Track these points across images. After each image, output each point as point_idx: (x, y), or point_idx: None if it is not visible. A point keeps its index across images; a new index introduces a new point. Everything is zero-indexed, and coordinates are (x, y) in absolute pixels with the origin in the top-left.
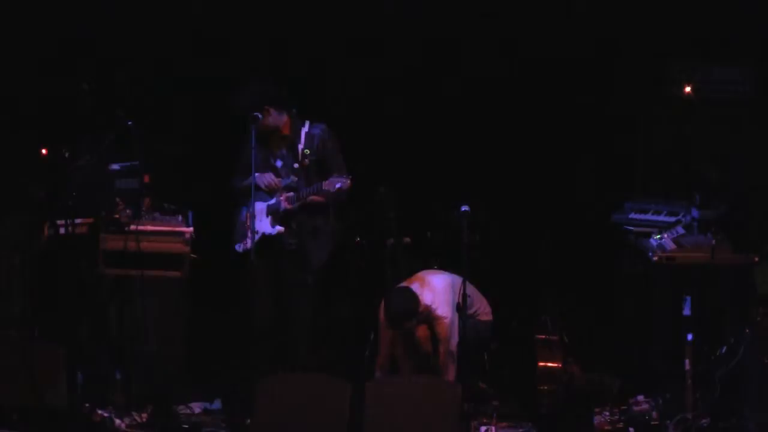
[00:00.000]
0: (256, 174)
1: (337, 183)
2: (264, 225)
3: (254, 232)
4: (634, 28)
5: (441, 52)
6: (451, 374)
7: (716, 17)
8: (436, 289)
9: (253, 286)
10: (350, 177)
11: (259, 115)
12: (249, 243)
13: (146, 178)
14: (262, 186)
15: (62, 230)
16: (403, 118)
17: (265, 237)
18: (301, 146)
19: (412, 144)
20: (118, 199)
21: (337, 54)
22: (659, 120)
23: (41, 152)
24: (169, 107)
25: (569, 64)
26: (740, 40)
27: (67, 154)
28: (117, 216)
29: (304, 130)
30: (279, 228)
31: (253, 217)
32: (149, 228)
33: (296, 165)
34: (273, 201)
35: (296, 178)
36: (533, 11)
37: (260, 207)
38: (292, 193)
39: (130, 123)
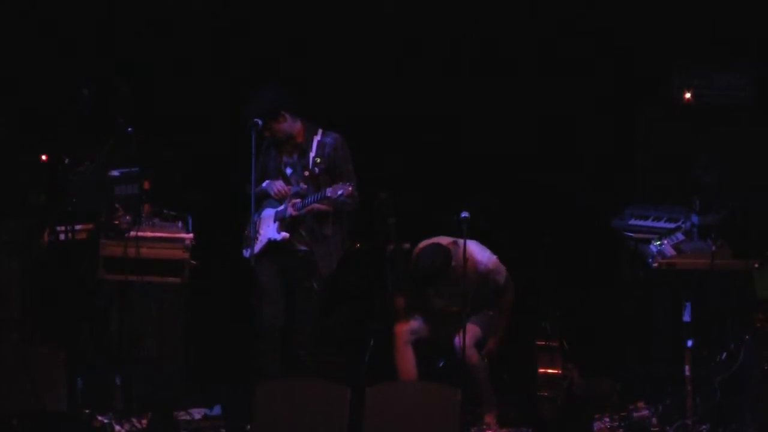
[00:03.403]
0: (267, 181)
1: (339, 190)
2: (271, 231)
3: (255, 238)
4: (634, 33)
5: (441, 54)
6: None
7: (716, 22)
8: (458, 241)
9: (256, 290)
10: (352, 184)
11: (259, 122)
12: (257, 249)
13: (146, 185)
14: (272, 193)
15: (62, 236)
16: (402, 123)
17: (271, 242)
18: (312, 154)
19: (412, 149)
20: (117, 205)
21: (337, 57)
22: (659, 125)
23: (41, 158)
24: (169, 112)
25: (569, 68)
26: (740, 45)
27: (67, 160)
28: (117, 222)
29: (317, 138)
30: (284, 234)
31: (258, 222)
32: (149, 234)
33: (306, 173)
34: (281, 207)
35: (305, 186)
36: (533, 13)
37: (269, 213)
38: (298, 200)
39: (129, 129)
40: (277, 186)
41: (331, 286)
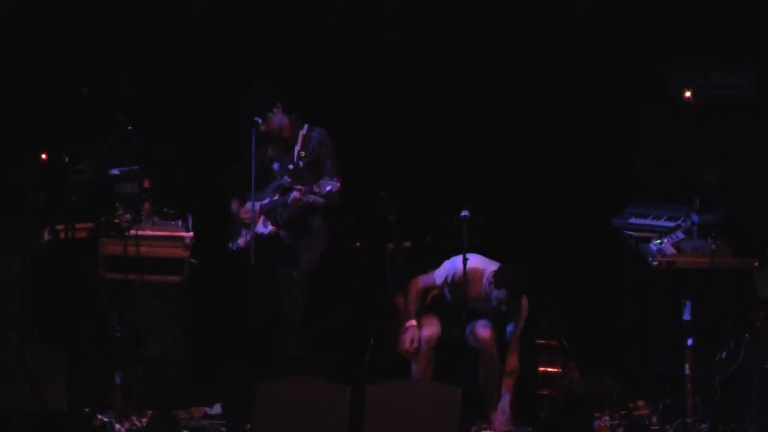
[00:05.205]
0: (234, 205)
1: (328, 185)
2: (258, 225)
3: (253, 235)
4: (635, 32)
5: (440, 54)
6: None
7: (716, 21)
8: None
9: (245, 287)
10: (340, 180)
11: (260, 120)
12: (242, 242)
13: (146, 183)
14: (242, 217)
15: (62, 235)
16: (403, 122)
17: (258, 236)
18: (297, 148)
19: (412, 148)
20: (117, 204)
21: (337, 56)
22: (659, 124)
23: (41, 157)
24: (169, 111)
25: (569, 67)
26: (739, 44)
27: (67, 159)
28: (117, 220)
29: (302, 132)
30: (272, 227)
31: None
32: (149, 233)
33: (291, 166)
34: (266, 201)
35: (290, 179)
36: (533, 12)
37: (254, 207)
38: (303, 187)
39: (130, 128)
40: (244, 212)
41: (330, 285)
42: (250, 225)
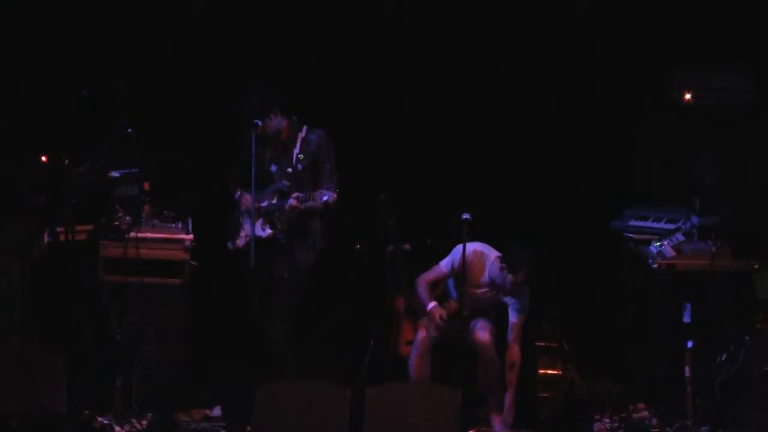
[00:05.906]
0: (238, 192)
1: (324, 196)
2: (256, 228)
3: (253, 237)
4: (636, 33)
5: (441, 56)
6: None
7: (715, 22)
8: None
9: (245, 288)
10: (337, 191)
11: (259, 123)
12: (240, 242)
13: (146, 185)
14: (242, 207)
15: (62, 237)
16: (403, 125)
17: (257, 239)
18: (296, 151)
19: (413, 150)
20: (117, 206)
21: (338, 59)
22: (659, 126)
23: (41, 159)
24: (169, 113)
25: (570, 67)
26: (739, 45)
27: (66, 161)
28: (117, 223)
29: (301, 135)
30: (269, 231)
31: (241, 219)
32: (149, 235)
33: (289, 169)
34: (265, 203)
35: (288, 183)
36: (533, 14)
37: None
38: (300, 195)
39: (129, 130)
40: (245, 202)
41: (330, 287)
42: (250, 224)
